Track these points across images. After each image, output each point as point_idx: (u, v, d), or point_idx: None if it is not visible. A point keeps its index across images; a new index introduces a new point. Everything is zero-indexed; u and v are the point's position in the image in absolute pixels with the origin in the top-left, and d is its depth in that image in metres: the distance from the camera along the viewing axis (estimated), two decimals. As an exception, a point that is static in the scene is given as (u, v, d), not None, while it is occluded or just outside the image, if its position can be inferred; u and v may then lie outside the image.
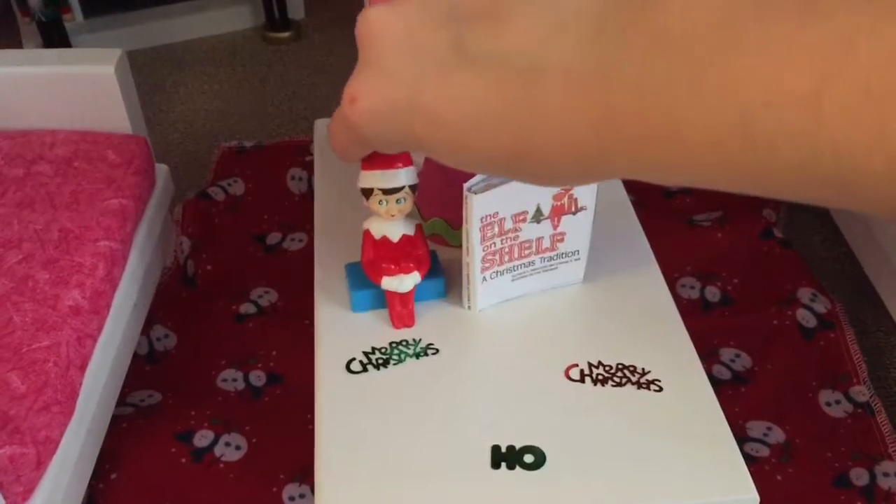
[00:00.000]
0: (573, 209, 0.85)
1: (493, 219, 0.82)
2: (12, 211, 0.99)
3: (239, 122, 1.81)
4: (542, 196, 0.83)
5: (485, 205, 0.80)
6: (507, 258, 0.86)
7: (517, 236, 0.84)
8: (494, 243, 0.84)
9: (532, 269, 0.89)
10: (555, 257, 0.89)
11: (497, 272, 0.87)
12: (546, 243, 0.87)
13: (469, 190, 0.79)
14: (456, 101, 0.33)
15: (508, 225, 0.83)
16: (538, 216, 0.84)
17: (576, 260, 0.90)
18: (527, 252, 0.87)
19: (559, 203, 0.84)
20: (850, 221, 1.30)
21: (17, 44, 2.07)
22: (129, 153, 1.09)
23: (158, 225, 1.18)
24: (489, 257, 0.84)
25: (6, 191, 1.02)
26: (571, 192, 0.83)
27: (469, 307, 0.89)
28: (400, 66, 0.35)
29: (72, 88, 1.10)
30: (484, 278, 0.86)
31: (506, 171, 0.33)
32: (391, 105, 0.35)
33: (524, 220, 0.84)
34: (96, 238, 0.97)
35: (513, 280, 0.88)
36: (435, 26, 0.34)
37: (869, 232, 1.23)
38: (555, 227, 0.86)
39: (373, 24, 0.35)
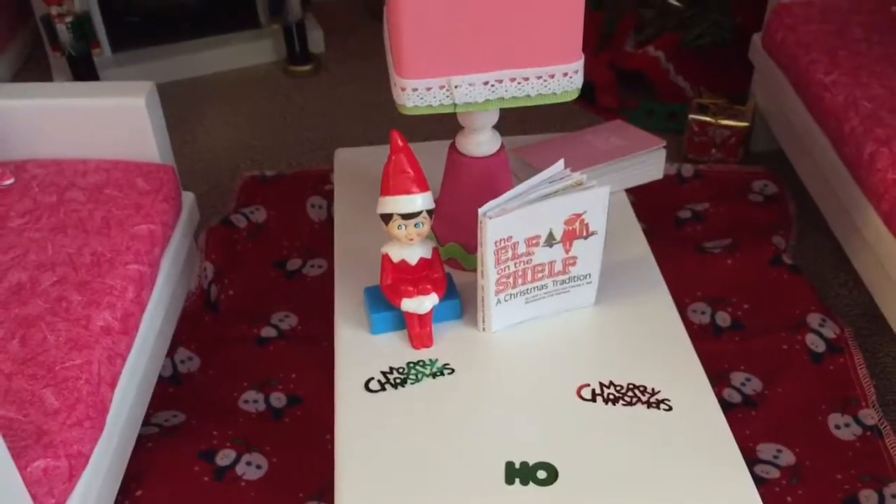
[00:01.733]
0: (584, 234, 0.88)
1: (506, 242, 0.86)
2: (46, 236, 1.03)
3: (260, 151, 1.86)
4: (555, 221, 0.87)
5: (499, 229, 0.84)
6: (520, 281, 0.90)
7: (530, 260, 0.88)
8: (508, 266, 0.88)
9: (545, 292, 0.93)
10: (567, 280, 0.93)
11: (511, 294, 0.90)
12: (558, 267, 0.91)
13: (484, 215, 0.83)
14: None
15: (522, 249, 0.87)
16: (550, 240, 0.88)
17: (587, 283, 0.93)
18: (540, 275, 0.90)
19: (571, 228, 0.88)
20: (859, 248, 1.33)
21: (48, 78, 2.13)
22: (158, 181, 1.14)
23: (184, 250, 1.22)
24: (503, 280, 0.88)
25: (41, 216, 1.06)
26: (583, 217, 0.87)
27: (484, 329, 0.92)
28: None
29: (104, 119, 1.15)
30: (498, 300, 0.90)
31: None
32: None
33: (537, 244, 0.87)
34: (126, 262, 1.01)
35: (526, 303, 0.92)
36: None
37: (877, 259, 1.26)
38: (567, 252, 0.90)
39: None
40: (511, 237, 0.87)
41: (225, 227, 1.53)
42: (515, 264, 0.90)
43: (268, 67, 2.22)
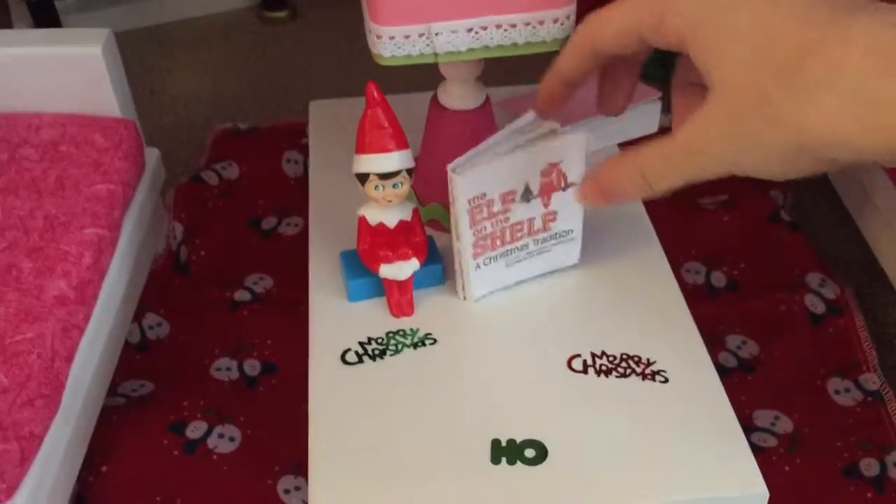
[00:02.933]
0: (562, 185, 0.81)
1: (481, 201, 0.78)
2: (-5, 197, 0.96)
3: (233, 103, 1.78)
4: (531, 173, 0.79)
5: (471, 185, 0.76)
6: (498, 243, 0.82)
7: (507, 218, 0.81)
8: (485, 227, 0.80)
9: (526, 253, 0.86)
10: (548, 238, 0.86)
11: (490, 258, 0.83)
12: (538, 224, 0.83)
13: (453, 171, 0.75)
14: None
15: (497, 206, 0.79)
16: (528, 195, 0.80)
17: (570, 240, 0.86)
18: (519, 235, 0.83)
19: (548, 180, 0.80)
20: (861, 203, 1.28)
21: (6, 24, 2.03)
22: (118, 137, 1.06)
23: (149, 211, 1.15)
24: (480, 242, 0.81)
25: (-10, 176, 0.99)
26: (560, 166, 0.79)
27: (465, 297, 0.86)
28: None
29: (58, 70, 1.07)
30: (477, 265, 0.83)
31: None
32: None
33: (513, 201, 0.80)
34: (83, 225, 0.94)
35: (507, 266, 0.85)
36: None
37: (880, 214, 1.21)
38: (546, 206, 0.82)
39: None
40: (485, 194, 0.79)
41: (195, 184, 1.46)
42: (492, 224, 0.82)
43: (240, 13, 2.12)
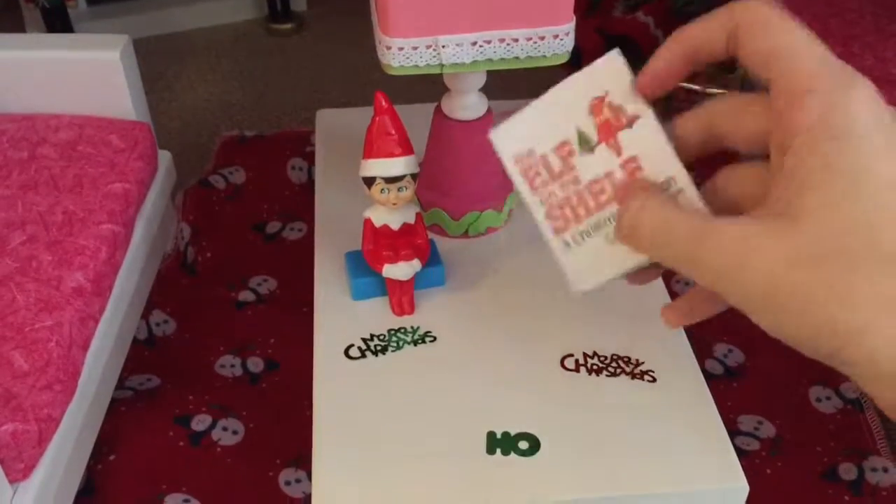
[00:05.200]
0: (624, 122, 0.59)
1: (531, 160, 0.61)
2: (16, 193, 1.00)
3: (240, 111, 1.82)
4: (577, 115, 0.61)
5: (511, 141, 0.58)
6: (582, 211, 0.60)
7: (577, 178, 0.60)
8: (553, 192, 0.61)
9: None
10: None
11: (581, 233, 0.60)
12: (620, 176, 0.61)
13: (494, 132, 0.59)
14: None
15: (557, 164, 0.61)
16: (586, 143, 0.59)
17: (678, 189, 0.60)
18: (604, 198, 0.59)
19: (602, 119, 0.62)
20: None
21: (20, 30, 2.07)
22: (133, 138, 1.10)
23: (160, 211, 1.19)
24: (556, 212, 0.62)
25: (10, 173, 1.03)
26: (608, 98, 0.59)
27: (581, 292, 0.61)
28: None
29: (77, 73, 1.11)
30: (566, 243, 0.60)
31: None
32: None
33: (573, 154, 0.61)
34: (99, 221, 0.98)
35: (610, 243, 0.61)
36: None
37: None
38: (619, 152, 0.60)
39: None
40: (532, 150, 0.62)
41: (203, 187, 1.50)
42: (561, 188, 0.62)
43: (248, 24, 2.16)
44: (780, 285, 0.34)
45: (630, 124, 0.57)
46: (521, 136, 0.58)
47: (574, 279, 0.58)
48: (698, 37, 0.44)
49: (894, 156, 0.34)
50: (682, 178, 0.53)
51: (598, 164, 0.58)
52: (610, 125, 0.58)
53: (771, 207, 0.36)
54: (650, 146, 0.56)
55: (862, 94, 0.35)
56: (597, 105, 0.57)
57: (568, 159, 0.59)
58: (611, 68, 0.55)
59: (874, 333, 0.32)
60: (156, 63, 1.98)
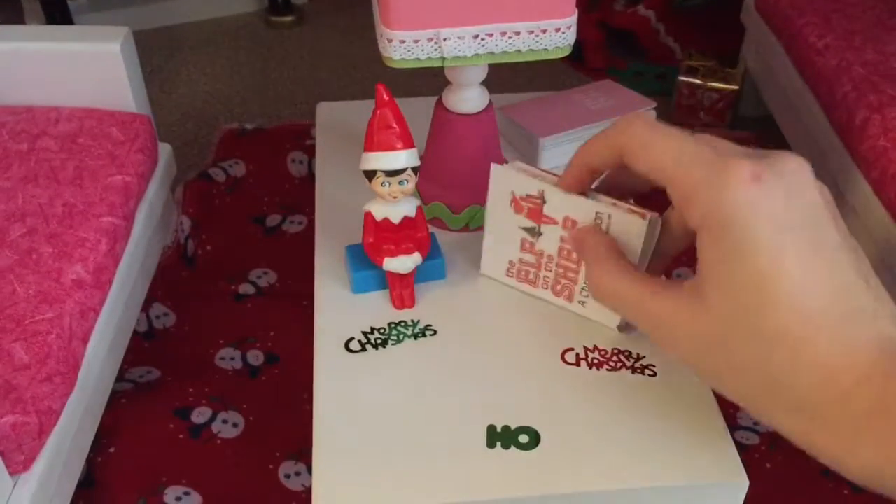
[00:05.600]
0: (539, 201, 0.76)
1: (514, 268, 0.81)
2: (16, 185, 1.00)
3: (240, 104, 1.81)
4: (512, 222, 0.77)
5: (495, 267, 0.77)
6: (571, 273, 0.82)
7: (549, 256, 0.81)
8: (546, 277, 0.82)
9: None
10: None
11: (582, 289, 0.82)
12: (568, 235, 0.76)
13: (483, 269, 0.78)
14: None
15: (530, 259, 0.80)
16: (532, 232, 0.78)
17: (608, 217, 0.73)
18: (574, 255, 0.79)
19: (525, 210, 0.78)
20: (846, 216, 1.32)
21: (20, 22, 2.07)
22: (133, 131, 1.10)
23: (160, 204, 1.19)
24: (558, 288, 0.84)
25: (10, 165, 1.02)
26: (516, 194, 0.76)
27: (619, 328, 0.83)
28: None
29: (77, 65, 1.11)
30: (581, 303, 0.81)
31: None
32: (778, 220, 0.42)
33: (532, 245, 0.79)
34: (100, 214, 0.98)
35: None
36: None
37: (864, 227, 1.25)
38: (555, 222, 0.76)
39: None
40: (512, 261, 0.80)
41: (203, 180, 1.50)
42: (546, 269, 0.81)
43: (248, 17, 2.16)
44: (699, 356, 0.46)
45: (543, 199, 0.75)
46: (497, 258, 0.78)
47: (608, 322, 0.79)
48: (593, 161, 0.60)
49: (771, 244, 0.41)
50: (605, 208, 0.69)
51: (552, 238, 0.76)
52: (532, 210, 0.75)
53: (695, 280, 0.46)
54: (568, 203, 0.72)
55: (733, 193, 0.42)
56: (515, 203, 0.75)
57: (533, 250, 0.77)
58: (499, 178, 0.74)
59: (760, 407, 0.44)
60: (156, 56, 1.98)
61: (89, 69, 1.10)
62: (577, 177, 0.64)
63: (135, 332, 1.18)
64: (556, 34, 0.83)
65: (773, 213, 0.41)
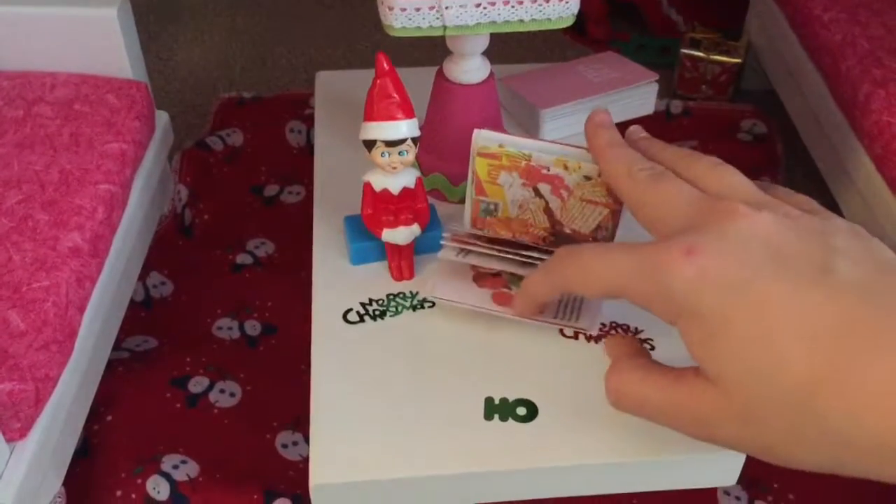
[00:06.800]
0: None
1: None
2: (12, 151, 0.99)
3: (238, 73, 1.80)
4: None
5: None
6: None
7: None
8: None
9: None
10: None
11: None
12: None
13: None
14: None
15: None
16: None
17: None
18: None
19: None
20: (848, 192, 1.31)
21: (15, -14, 2.04)
22: (130, 98, 1.09)
23: (157, 172, 1.18)
24: None
25: (6, 131, 1.02)
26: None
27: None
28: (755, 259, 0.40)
29: (73, 30, 1.09)
30: None
31: None
32: (729, 278, 0.41)
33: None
34: (96, 181, 0.97)
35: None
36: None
37: (866, 204, 1.24)
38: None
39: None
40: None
41: (200, 149, 1.49)
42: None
43: (247, -16, 2.14)
44: (741, 440, 0.46)
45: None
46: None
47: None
48: (538, 297, 0.66)
49: (738, 304, 0.41)
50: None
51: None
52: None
53: (696, 368, 0.50)
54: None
55: (671, 277, 0.43)
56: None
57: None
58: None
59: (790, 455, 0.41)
60: (153, 22, 1.96)
61: (86, 34, 1.09)
62: (527, 306, 0.70)
63: (132, 301, 1.18)
64: (560, 4, 0.82)
65: (723, 272, 0.40)
